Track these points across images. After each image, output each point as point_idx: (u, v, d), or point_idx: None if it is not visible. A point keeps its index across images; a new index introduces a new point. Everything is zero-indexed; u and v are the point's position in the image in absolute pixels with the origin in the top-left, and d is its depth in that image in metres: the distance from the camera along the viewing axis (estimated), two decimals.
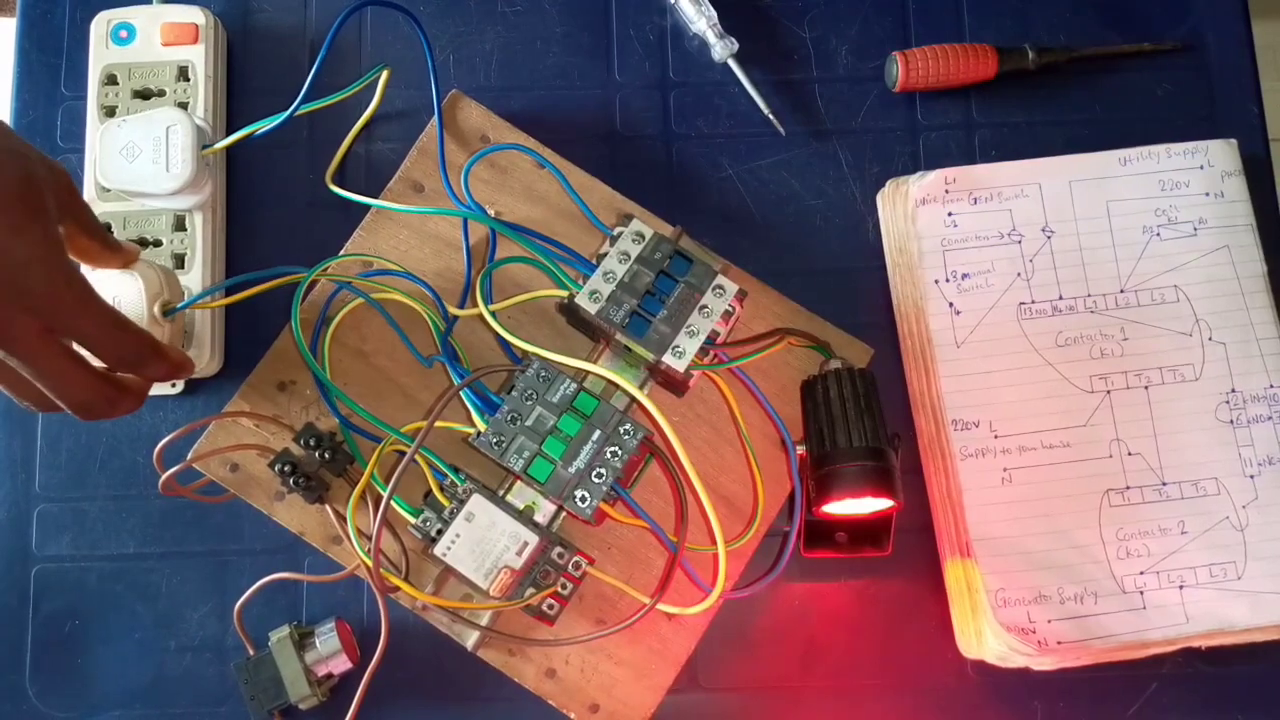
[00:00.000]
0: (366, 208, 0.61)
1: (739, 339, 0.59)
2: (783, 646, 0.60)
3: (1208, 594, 0.58)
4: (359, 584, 0.60)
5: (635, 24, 0.67)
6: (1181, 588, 0.58)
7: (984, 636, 0.57)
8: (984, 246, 0.61)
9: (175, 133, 0.58)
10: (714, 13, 0.65)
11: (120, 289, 0.54)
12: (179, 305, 0.57)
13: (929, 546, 0.60)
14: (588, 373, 0.55)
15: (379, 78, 0.63)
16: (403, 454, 0.54)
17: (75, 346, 0.48)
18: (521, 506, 0.54)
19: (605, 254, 0.56)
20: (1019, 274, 0.61)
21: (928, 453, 0.61)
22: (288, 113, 0.59)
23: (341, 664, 0.57)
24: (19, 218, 0.45)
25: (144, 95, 0.62)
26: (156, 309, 0.55)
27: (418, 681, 0.59)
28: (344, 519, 0.55)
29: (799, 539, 0.58)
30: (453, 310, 0.59)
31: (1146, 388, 0.60)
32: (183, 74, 0.62)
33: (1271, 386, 0.60)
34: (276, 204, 0.64)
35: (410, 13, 0.62)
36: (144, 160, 0.58)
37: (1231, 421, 0.60)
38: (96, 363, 0.49)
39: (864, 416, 0.57)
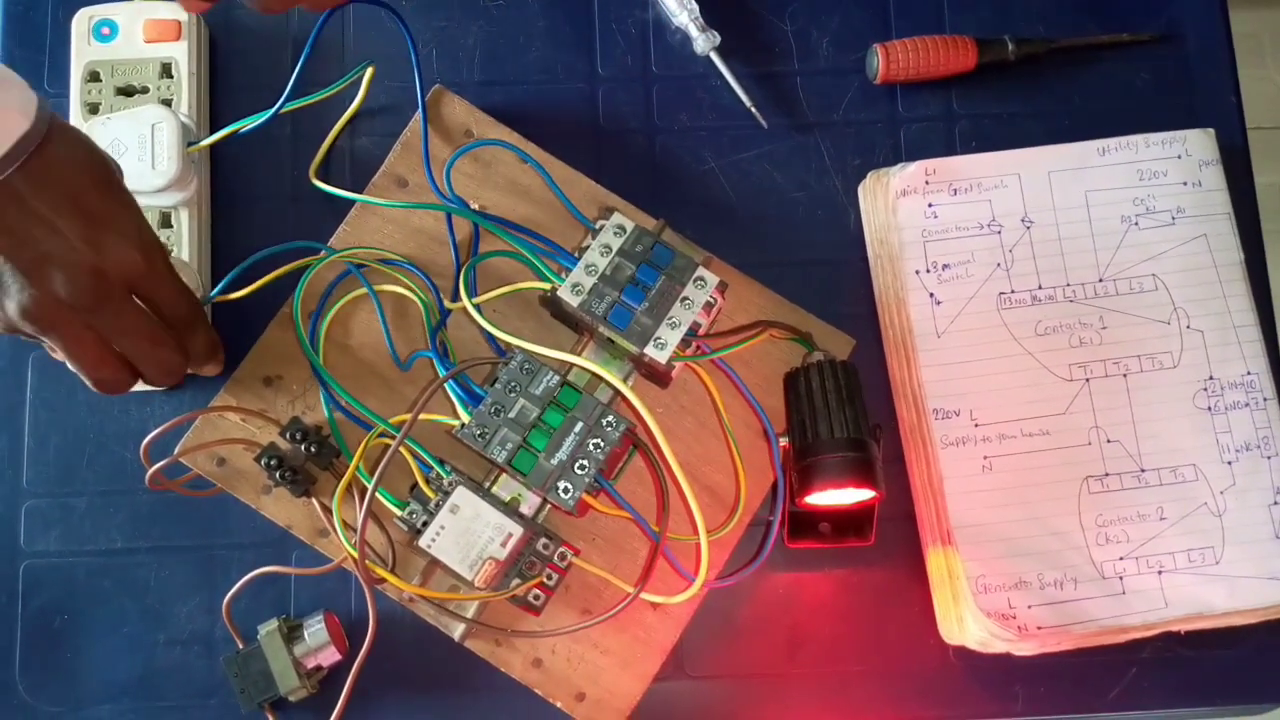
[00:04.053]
0: (351, 203, 0.62)
1: (721, 331, 0.59)
2: (768, 635, 0.61)
3: (1186, 579, 0.58)
4: (346, 576, 0.60)
5: (617, 18, 0.67)
6: (1160, 573, 0.58)
7: (965, 622, 0.58)
8: (964, 237, 0.62)
9: (161, 130, 0.58)
10: (696, 6, 0.65)
11: None
12: (210, 295, 0.59)
13: (911, 535, 0.61)
14: (571, 365, 0.56)
15: (363, 75, 0.63)
16: (389, 447, 0.55)
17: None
18: (507, 499, 0.55)
19: (587, 247, 0.56)
20: (999, 264, 0.62)
21: (909, 442, 0.61)
22: (273, 110, 0.60)
23: (330, 656, 0.58)
24: (113, 183, 0.50)
25: (127, 92, 0.62)
26: None
27: (406, 672, 0.60)
28: (330, 512, 0.56)
29: (783, 529, 0.59)
30: (446, 304, 0.60)
31: (1125, 376, 0.61)
32: (166, 71, 0.62)
33: (1249, 373, 0.61)
34: (260, 200, 0.65)
35: (393, 8, 0.62)
36: (129, 158, 0.58)
37: (1209, 408, 0.60)
38: None
39: (845, 408, 0.57)
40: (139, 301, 0.52)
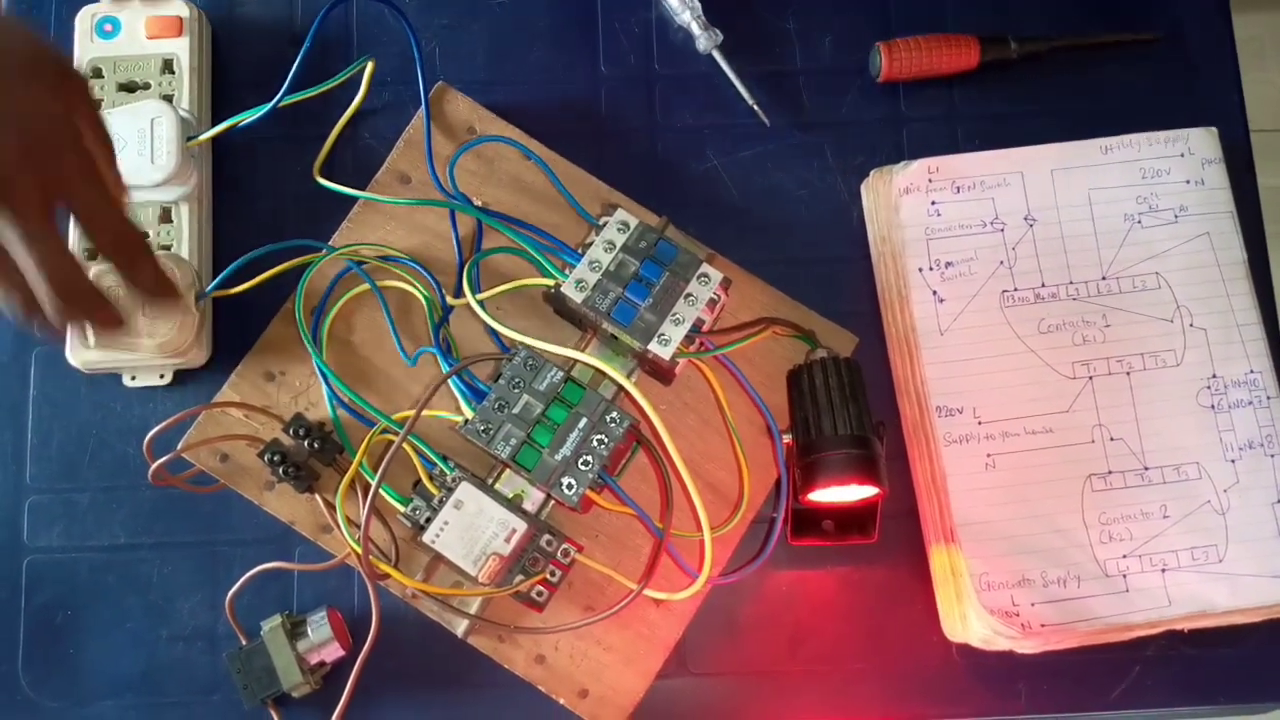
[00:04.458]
0: (354, 200, 0.62)
1: (724, 328, 0.59)
2: (771, 632, 0.61)
3: (1189, 577, 0.58)
4: (350, 572, 0.60)
5: (621, 16, 0.67)
6: (1163, 571, 0.58)
7: (968, 620, 0.58)
8: (967, 235, 0.62)
9: (160, 125, 0.58)
10: (698, 5, 0.66)
11: None
12: (207, 290, 0.58)
13: (914, 532, 0.61)
14: (575, 361, 0.56)
15: (363, 70, 0.63)
16: (392, 444, 0.55)
17: None
18: (510, 495, 0.55)
19: (591, 243, 0.56)
20: (1002, 262, 0.62)
21: (912, 439, 0.61)
22: (271, 104, 0.60)
23: (333, 652, 0.58)
24: (33, 75, 0.45)
25: (129, 88, 0.62)
26: (190, 299, 0.57)
27: (409, 668, 0.60)
28: (333, 507, 0.56)
29: (786, 527, 0.59)
30: (449, 300, 0.60)
31: (1128, 374, 0.61)
32: (167, 67, 0.62)
33: (1252, 372, 0.61)
34: (263, 196, 0.65)
35: (396, 5, 0.62)
36: (129, 152, 0.58)
37: (1212, 406, 0.60)
38: None
39: (849, 405, 0.57)
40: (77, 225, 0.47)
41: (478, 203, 0.61)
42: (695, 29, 0.66)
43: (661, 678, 0.59)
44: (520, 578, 0.54)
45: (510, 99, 0.65)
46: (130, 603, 0.60)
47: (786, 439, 0.59)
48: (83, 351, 0.59)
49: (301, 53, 0.60)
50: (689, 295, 0.55)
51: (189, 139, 0.59)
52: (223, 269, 0.59)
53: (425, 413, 0.53)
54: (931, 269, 0.61)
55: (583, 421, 0.53)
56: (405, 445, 0.54)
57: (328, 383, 0.58)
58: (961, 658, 0.60)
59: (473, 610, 0.57)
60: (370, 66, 0.63)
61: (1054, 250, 0.62)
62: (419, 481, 0.55)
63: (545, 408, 0.54)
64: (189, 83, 0.62)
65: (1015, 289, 0.61)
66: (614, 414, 0.54)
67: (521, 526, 0.53)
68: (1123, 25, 0.67)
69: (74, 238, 0.57)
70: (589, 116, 0.66)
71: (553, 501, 0.56)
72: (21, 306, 0.46)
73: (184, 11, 0.63)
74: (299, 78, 0.60)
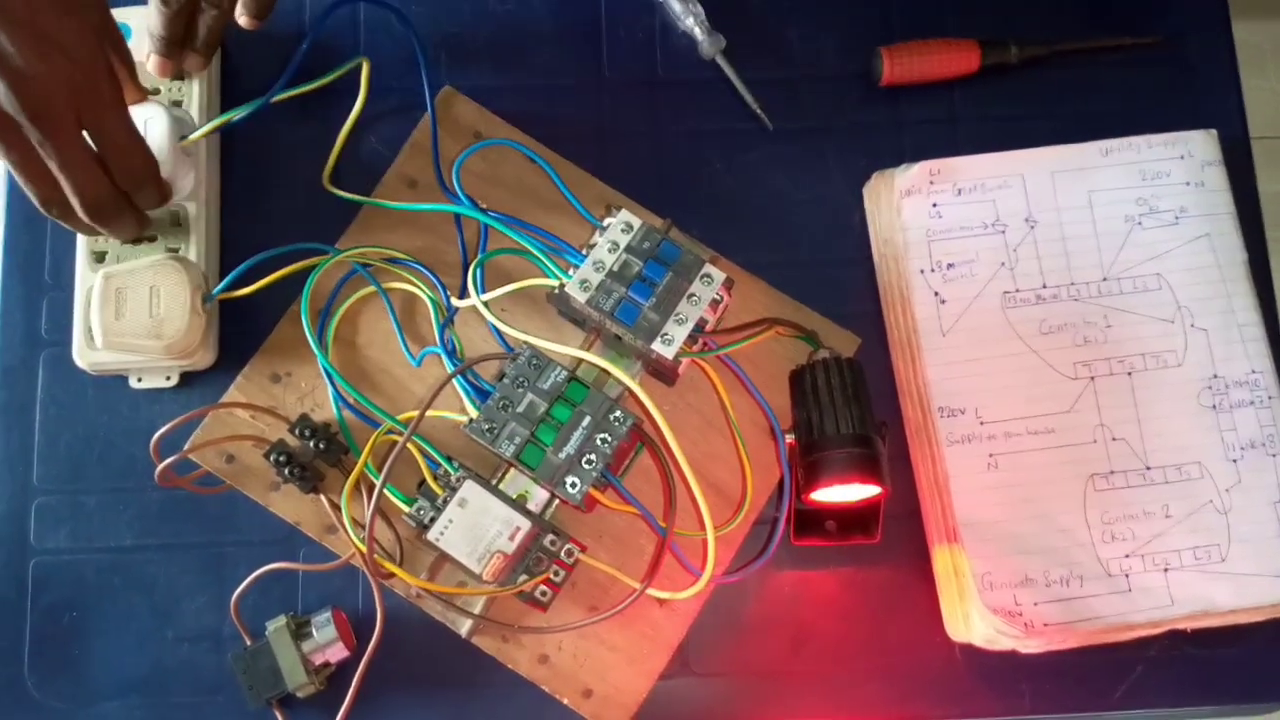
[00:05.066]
0: (360, 203, 0.62)
1: (727, 328, 0.59)
2: (773, 632, 0.61)
3: (1192, 576, 0.58)
4: (354, 573, 0.61)
5: (624, 21, 0.68)
6: (1166, 570, 0.58)
7: (971, 620, 0.58)
8: (968, 237, 0.62)
9: (153, 125, 0.58)
10: (701, 9, 0.66)
11: (162, 279, 0.57)
12: (213, 293, 0.59)
13: (917, 533, 0.61)
14: (580, 360, 0.56)
15: (359, 70, 0.63)
16: (397, 444, 0.55)
17: None
18: (514, 495, 0.55)
19: (595, 244, 0.57)
20: (1003, 263, 0.62)
21: (915, 440, 0.62)
22: (263, 99, 0.59)
23: (338, 652, 0.58)
24: (76, 7, 0.50)
25: None
26: (198, 301, 0.58)
27: (413, 668, 0.60)
28: (338, 508, 0.56)
29: (789, 527, 0.59)
30: (453, 301, 0.60)
31: (1130, 374, 0.61)
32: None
33: (1253, 372, 0.61)
34: (270, 199, 0.65)
35: (400, 11, 0.63)
36: None
37: (1214, 406, 0.60)
38: None
39: (851, 405, 0.57)
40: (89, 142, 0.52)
41: (483, 205, 0.61)
42: (698, 34, 0.66)
43: (665, 677, 0.59)
44: (524, 577, 0.54)
45: (515, 103, 0.66)
46: (136, 604, 0.60)
47: (789, 439, 0.59)
48: (89, 353, 0.59)
49: (300, 51, 0.60)
50: (692, 295, 0.56)
51: (181, 138, 0.59)
52: (230, 271, 0.59)
53: (430, 413, 0.54)
54: (933, 270, 0.62)
55: (586, 420, 0.54)
56: (410, 445, 0.55)
57: (333, 384, 0.59)
58: (964, 658, 0.60)
59: (477, 610, 0.57)
60: (366, 66, 0.63)
61: (1055, 252, 0.62)
62: (423, 482, 0.55)
63: (549, 406, 0.54)
64: (198, 88, 0.63)
65: (1017, 290, 0.62)
66: (617, 413, 0.54)
67: (526, 524, 0.53)
68: (1123, 29, 0.68)
69: None
70: (593, 120, 0.67)
71: (557, 501, 0.56)
72: (57, 208, 0.53)
73: None
74: (295, 76, 0.60)
